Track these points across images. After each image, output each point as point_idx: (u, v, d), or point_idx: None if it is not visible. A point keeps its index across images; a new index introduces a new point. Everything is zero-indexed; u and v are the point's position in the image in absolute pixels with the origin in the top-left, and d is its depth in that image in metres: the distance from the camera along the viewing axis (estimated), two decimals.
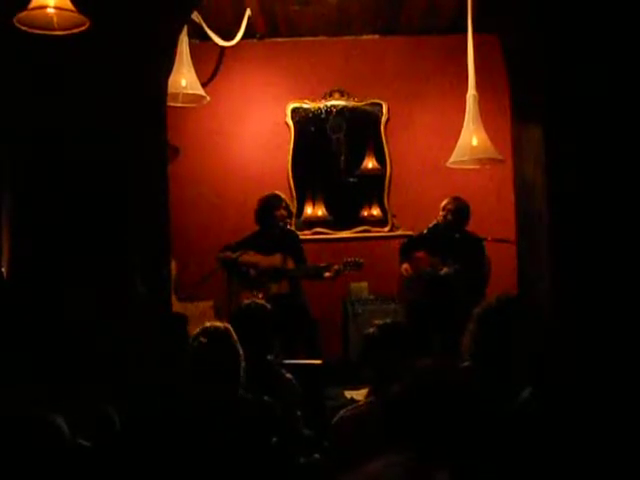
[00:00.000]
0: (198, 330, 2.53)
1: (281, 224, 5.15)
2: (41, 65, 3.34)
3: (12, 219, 3.45)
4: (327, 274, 5.06)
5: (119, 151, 3.41)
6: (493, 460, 1.96)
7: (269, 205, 5.12)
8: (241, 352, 2.48)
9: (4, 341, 3.03)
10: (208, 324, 2.54)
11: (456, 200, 5.09)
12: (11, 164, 3.44)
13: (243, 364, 2.49)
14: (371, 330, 2.72)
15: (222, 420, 2.36)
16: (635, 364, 2.99)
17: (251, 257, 5.01)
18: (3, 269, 3.43)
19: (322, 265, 5.13)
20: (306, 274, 5.15)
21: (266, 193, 5.22)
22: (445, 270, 4.95)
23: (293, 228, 5.83)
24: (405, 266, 5.10)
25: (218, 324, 2.54)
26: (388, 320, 2.80)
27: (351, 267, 5.09)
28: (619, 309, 3.20)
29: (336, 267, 5.05)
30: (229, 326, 2.53)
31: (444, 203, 5.10)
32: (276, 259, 5.02)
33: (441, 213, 5.07)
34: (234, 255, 5.00)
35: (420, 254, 5.17)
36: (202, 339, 2.47)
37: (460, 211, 5.04)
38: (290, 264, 5.05)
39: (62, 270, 3.33)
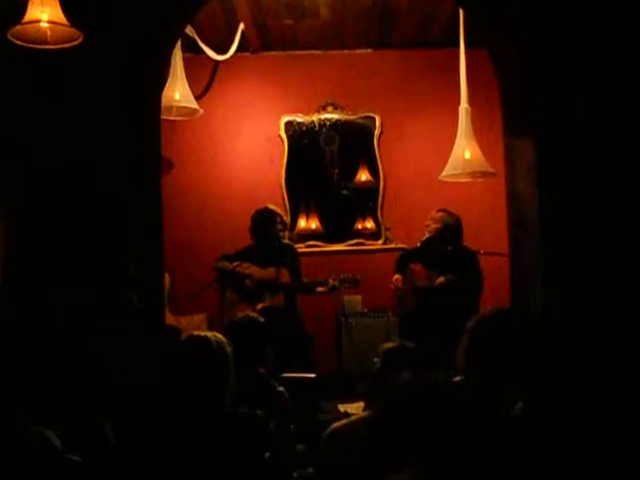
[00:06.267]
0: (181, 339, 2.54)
1: (278, 239, 5.15)
2: (39, 74, 3.34)
3: (6, 229, 3.44)
4: (320, 289, 5.05)
5: (112, 163, 3.41)
6: (486, 475, 1.95)
7: (264, 222, 5.10)
8: (229, 361, 2.46)
9: None
10: (195, 333, 2.54)
11: (442, 210, 5.10)
12: (6, 175, 3.44)
13: (233, 375, 2.47)
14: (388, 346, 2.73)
15: (213, 433, 2.34)
16: (630, 376, 3.00)
17: (247, 269, 5.01)
18: None
19: (318, 280, 5.12)
20: (301, 289, 5.14)
21: (259, 208, 5.20)
22: (440, 280, 4.94)
23: (288, 241, 5.84)
24: (397, 276, 5.09)
25: (202, 333, 2.53)
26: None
27: (348, 283, 5.09)
28: (613, 322, 3.20)
29: (332, 283, 5.05)
30: (218, 335, 2.52)
31: (428, 216, 5.11)
32: (271, 271, 5.02)
33: (426, 224, 5.09)
34: (231, 266, 5.00)
35: (415, 267, 5.17)
36: (184, 346, 2.48)
37: (445, 222, 5.05)
38: (285, 277, 5.05)
39: (54, 280, 3.31)
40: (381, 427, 1.79)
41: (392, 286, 5.07)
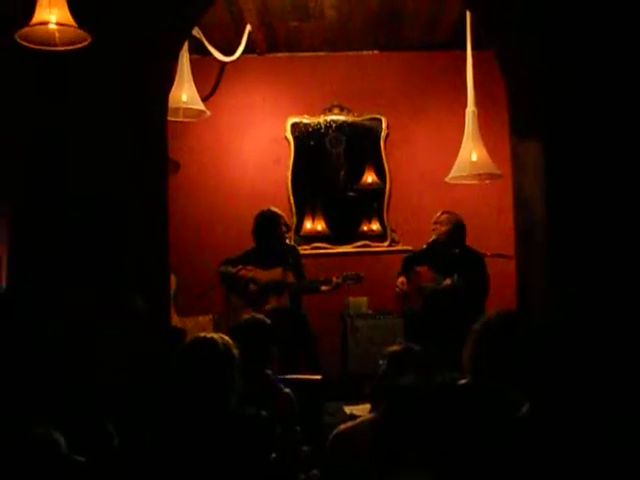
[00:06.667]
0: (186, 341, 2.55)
1: (282, 241, 5.15)
2: (43, 76, 3.35)
3: (11, 230, 3.45)
4: (324, 288, 5.05)
5: (119, 166, 3.42)
6: (492, 475, 1.95)
7: (269, 224, 5.10)
8: (235, 362, 2.46)
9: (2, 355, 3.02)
10: (201, 334, 2.54)
11: (446, 212, 5.09)
12: (10, 175, 3.45)
13: (239, 376, 2.47)
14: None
15: (219, 435, 2.34)
16: (636, 379, 2.98)
17: (251, 272, 5.00)
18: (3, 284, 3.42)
19: (321, 279, 5.12)
20: (306, 289, 5.14)
21: (262, 210, 5.20)
22: (447, 282, 4.93)
23: (293, 243, 5.85)
24: (402, 279, 5.07)
25: (208, 334, 2.53)
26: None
27: (351, 280, 5.08)
28: (620, 325, 3.19)
29: (336, 280, 5.04)
30: (224, 336, 2.52)
31: (433, 219, 5.10)
32: (276, 273, 5.02)
33: (433, 227, 5.07)
34: (234, 270, 4.99)
35: (421, 269, 5.16)
36: (190, 348, 2.49)
37: (453, 223, 5.03)
38: (290, 278, 5.05)
39: (60, 283, 3.32)
40: (383, 429, 1.79)
41: (397, 289, 5.05)
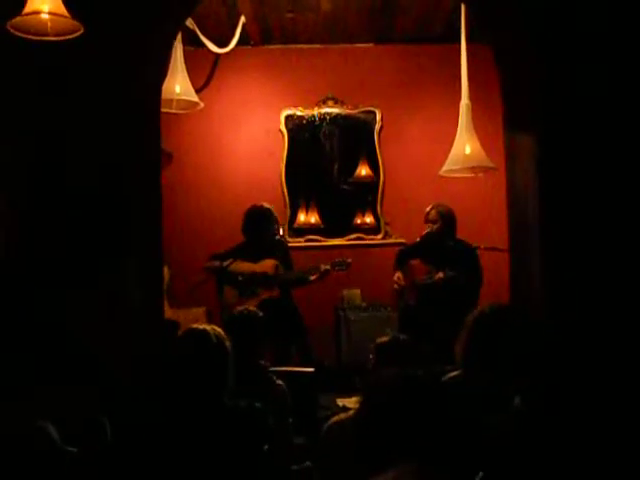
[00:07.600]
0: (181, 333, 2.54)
1: (273, 236, 5.14)
2: (41, 69, 3.33)
3: (6, 219, 3.43)
4: (312, 277, 5.04)
5: (113, 157, 3.40)
6: (484, 468, 1.96)
7: (261, 220, 5.08)
8: (228, 354, 2.46)
9: None
10: (194, 326, 2.54)
11: (436, 207, 5.07)
12: (9, 166, 3.43)
13: (232, 368, 2.47)
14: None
15: (212, 427, 2.35)
16: (628, 373, 3.00)
17: (241, 265, 4.99)
18: None
19: (309, 267, 5.10)
20: (294, 280, 5.13)
21: (253, 205, 5.17)
22: (439, 275, 4.94)
23: (286, 236, 5.85)
24: (398, 274, 5.09)
25: (202, 326, 2.53)
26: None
27: (339, 266, 5.07)
28: (613, 318, 3.20)
29: (324, 267, 5.04)
30: (216, 328, 2.52)
31: (425, 212, 5.08)
32: (265, 266, 5.01)
33: (426, 224, 5.07)
34: (224, 264, 4.98)
35: (414, 263, 5.17)
36: (183, 340, 2.49)
37: (443, 216, 5.03)
38: (279, 271, 5.04)
39: (54, 274, 3.31)
40: (361, 422, 1.79)
41: (396, 285, 5.06)
